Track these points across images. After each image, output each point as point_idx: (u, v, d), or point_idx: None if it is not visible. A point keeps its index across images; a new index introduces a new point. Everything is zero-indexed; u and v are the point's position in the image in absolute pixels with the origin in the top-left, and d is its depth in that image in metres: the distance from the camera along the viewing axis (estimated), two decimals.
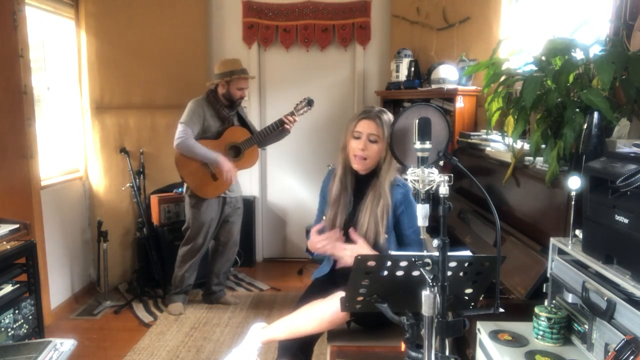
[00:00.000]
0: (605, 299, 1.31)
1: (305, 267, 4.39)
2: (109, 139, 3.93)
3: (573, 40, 1.84)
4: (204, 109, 3.34)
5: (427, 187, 1.35)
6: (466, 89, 3.37)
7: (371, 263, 1.35)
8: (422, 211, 1.38)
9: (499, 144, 2.59)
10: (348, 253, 1.95)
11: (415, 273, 1.35)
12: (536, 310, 1.55)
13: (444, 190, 1.28)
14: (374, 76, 4.46)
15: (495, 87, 2.13)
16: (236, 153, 3.43)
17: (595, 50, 1.80)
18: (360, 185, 2.09)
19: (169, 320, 3.39)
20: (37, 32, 3.42)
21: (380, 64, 4.42)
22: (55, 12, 3.61)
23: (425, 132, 1.41)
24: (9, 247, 2.36)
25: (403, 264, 1.34)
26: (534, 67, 1.96)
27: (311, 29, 4.37)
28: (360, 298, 1.45)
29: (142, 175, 3.97)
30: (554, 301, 1.64)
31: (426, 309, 1.23)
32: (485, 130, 2.64)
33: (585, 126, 1.69)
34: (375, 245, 2.01)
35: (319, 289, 2.05)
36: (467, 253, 1.56)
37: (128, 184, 3.86)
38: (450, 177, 1.31)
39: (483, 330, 1.60)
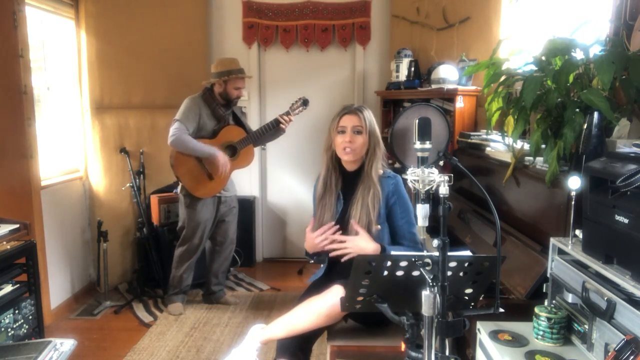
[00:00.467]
0: (605, 299, 1.31)
1: (305, 267, 4.39)
2: (109, 139, 3.93)
3: (573, 40, 1.84)
4: (200, 107, 3.33)
5: (427, 187, 1.36)
6: (466, 89, 3.37)
7: (371, 262, 1.35)
8: (422, 211, 1.38)
9: (499, 144, 2.59)
10: (350, 244, 1.97)
11: (415, 273, 1.35)
12: (536, 310, 1.55)
13: (444, 190, 1.28)
14: (374, 76, 4.46)
15: (495, 87, 2.13)
16: (232, 152, 3.41)
17: (595, 50, 1.80)
18: (349, 183, 2.13)
19: (169, 320, 3.39)
20: (37, 32, 3.42)
21: (380, 64, 4.42)
22: (55, 12, 3.61)
23: (425, 132, 1.41)
24: (9, 247, 2.36)
25: (403, 264, 1.34)
26: (534, 67, 1.96)
27: (311, 29, 4.37)
28: (360, 298, 1.45)
29: (142, 175, 3.97)
30: (554, 301, 1.64)
31: (426, 309, 1.23)
32: (485, 130, 2.64)
33: (585, 126, 1.69)
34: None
35: (316, 288, 2.05)
36: (467, 253, 1.56)
37: (128, 184, 3.86)
38: (450, 177, 1.31)
39: (483, 330, 1.60)
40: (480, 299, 1.47)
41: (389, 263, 1.35)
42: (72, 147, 3.90)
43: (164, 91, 4.03)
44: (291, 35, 4.39)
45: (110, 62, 3.88)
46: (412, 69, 3.78)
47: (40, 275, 2.56)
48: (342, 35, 4.37)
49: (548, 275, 1.67)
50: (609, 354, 1.23)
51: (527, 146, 2.18)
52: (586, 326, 1.44)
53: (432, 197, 1.38)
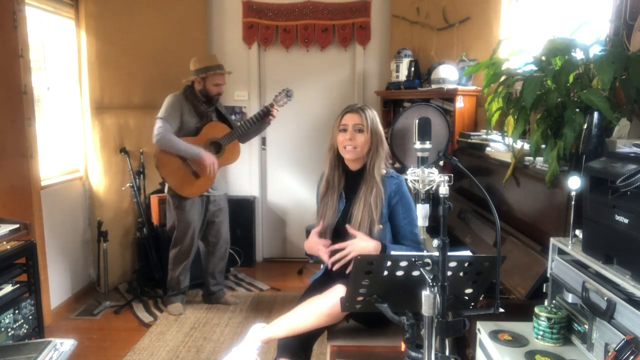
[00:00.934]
0: (605, 299, 1.31)
1: (305, 267, 4.39)
2: (109, 139, 3.93)
3: (573, 40, 1.84)
4: (181, 104, 3.30)
5: (427, 187, 1.36)
6: (466, 89, 3.37)
7: (371, 263, 1.35)
8: (422, 211, 1.38)
9: (499, 144, 2.59)
10: (350, 248, 1.97)
11: (415, 273, 1.35)
12: (536, 310, 1.55)
13: (444, 190, 1.28)
14: (374, 76, 4.46)
15: (495, 87, 2.13)
16: (217, 149, 3.38)
17: (595, 50, 1.80)
18: (352, 182, 2.14)
19: (169, 320, 3.39)
20: (37, 32, 3.42)
21: (380, 64, 4.42)
22: (55, 12, 3.61)
23: (425, 132, 1.41)
24: (9, 247, 2.36)
25: (403, 264, 1.34)
26: (534, 67, 1.96)
27: (311, 29, 4.37)
28: (360, 298, 1.45)
29: (142, 175, 3.97)
30: (554, 301, 1.64)
31: (426, 309, 1.23)
32: (485, 130, 2.64)
33: (585, 126, 1.69)
34: (370, 235, 2.03)
35: (317, 287, 2.06)
36: (467, 253, 1.56)
37: (128, 184, 3.86)
38: (450, 177, 1.31)
39: (483, 330, 1.60)
40: (480, 299, 1.47)
41: (389, 263, 1.35)
42: (72, 147, 3.90)
43: (164, 91, 3.99)
44: (291, 35, 4.39)
45: (110, 62, 3.88)
46: (412, 69, 3.78)
47: (40, 275, 2.55)
48: (342, 35, 4.37)
49: (548, 275, 1.67)
50: (609, 354, 1.23)
51: (527, 146, 2.18)
52: (586, 326, 1.44)
53: (432, 197, 1.38)
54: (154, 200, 3.84)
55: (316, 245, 2.08)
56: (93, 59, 3.83)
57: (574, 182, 1.54)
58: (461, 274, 1.35)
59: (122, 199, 4.02)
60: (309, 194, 4.59)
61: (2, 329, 2.21)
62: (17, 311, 2.32)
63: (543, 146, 1.93)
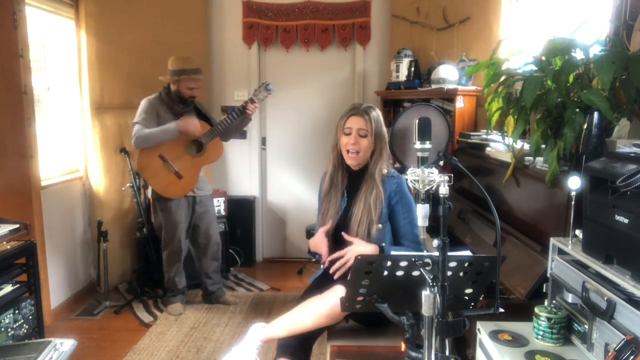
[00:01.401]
0: (605, 299, 1.31)
1: (305, 267, 4.39)
2: (109, 139, 3.93)
3: (573, 40, 1.84)
4: (156, 107, 3.28)
5: (427, 187, 1.36)
6: (466, 89, 3.37)
7: (371, 263, 1.36)
8: (422, 211, 1.38)
9: (499, 144, 2.59)
10: (349, 256, 1.98)
11: (415, 273, 1.35)
12: (536, 310, 1.55)
13: (444, 190, 1.28)
14: (374, 76, 4.46)
15: (495, 87, 2.13)
16: (198, 148, 3.34)
17: (595, 50, 1.80)
18: (354, 181, 2.15)
19: (169, 320, 3.39)
20: (37, 32, 3.42)
21: (380, 64, 4.42)
22: (55, 12, 3.61)
23: (425, 132, 1.41)
24: (9, 247, 2.36)
25: (403, 264, 1.34)
26: (534, 67, 1.97)
27: (311, 29, 4.37)
28: (360, 298, 1.45)
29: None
30: (554, 301, 1.64)
31: (426, 309, 1.23)
32: (485, 130, 2.65)
33: (585, 126, 1.69)
34: (368, 235, 2.04)
35: (317, 286, 2.06)
36: (467, 253, 1.56)
37: (128, 184, 3.85)
38: (450, 177, 1.31)
39: (483, 330, 1.60)
40: (480, 299, 1.47)
41: (389, 263, 1.35)
42: (72, 147, 3.90)
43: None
44: (291, 35, 4.39)
45: (110, 62, 3.88)
46: (412, 69, 3.78)
47: (40, 275, 2.55)
48: (342, 35, 4.37)
49: (548, 275, 1.67)
50: (609, 354, 1.23)
51: (527, 146, 2.18)
52: (586, 326, 1.44)
53: (432, 197, 1.38)
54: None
55: (320, 244, 2.08)
56: (93, 59, 3.83)
57: (574, 182, 1.54)
58: (461, 274, 1.35)
59: (122, 199, 4.02)
60: (309, 194, 4.59)
61: (2, 329, 2.21)
62: (17, 311, 2.32)
63: (543, 146, 1.93)
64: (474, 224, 2.53)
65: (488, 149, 2.71)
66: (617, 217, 1.30)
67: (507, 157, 2.32)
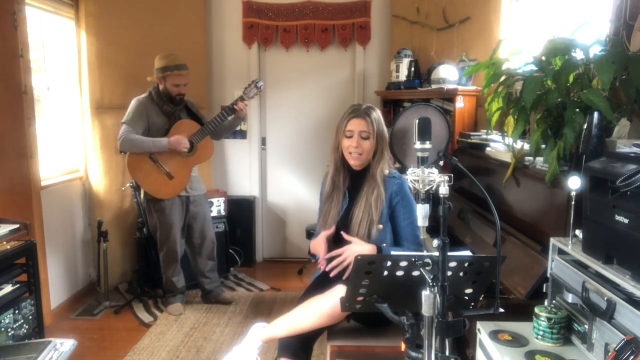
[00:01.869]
0: (605, 299, 1.31)
1: (305, 267, 4.39)
2: (109, 139, 3.93)
3: (573, 40, 1.84)
4: (145, 107, 3.26)
5: (427, 187, 1.36)
6: (466, 89, 3.37)
7: (371, 263, 1.36)
8: (422, 211, 1.38)
9: (499, 144, 2.59)
10: (347, 254, 1.98)
11: (415, 273, 1.35)
12: (536, 310, 1.55)
13: (444, 190, 1.28)
14: (374, 76, 4.46)
15: (495, 87, 2.13)
16: (189, 147, 3.32)
17: (595, 50, 1.80)
18: (355, 181, 2.15)
19: (169, 320, 3.39)
20: (37, 32, 3.42)
21: (380, 64, 4.42)
22: (55, 12, 3.61)
23: (425, 132, 1.41)
24: (9, 247, 2.36)
25: (403, 264, 1.34)
26: (534, 67, 1.96)
27: (311, 29, 4.37)
28: (360, 298, 1.45)
29: None
30: (554, 301, 1.64)
31: (426, 309, 1.23)
32: (485, 130, 2.64)
33: (585, 126, 1.69)
34: (368, 235, 2.04)
35: (318, 286, 2.06)
36: (467, 253, 1.56)
37: (128, 184, 3.85)
38: (450, 177, 1.31)
39: (483, 330, 1.60)
40: (480, 299, 1.47)
41: (389, 263, 1.35)
42: (72, 147, 3.90)
43: None
44: (291, 35, 4.39)
45: (110, 62, 3.88)
46: (412, 69, 3.78)
47: (40, 275, 2.55)
48: (342, 35, 4.37)
49: (548, 275, 1.67)
50: (609, 354, 1.23)
51: (527, 146, 2.18)
52: (586, 326, 1.44)
53: (432, 197, 1.38)
54: None
55: (319, 247, 2.09)
56: (93, 59, 3.83)
57: (574, 182, 1.54)
58: (461, 274, 1.35)
59: (122, 199, 4.02)
60: (309, 193, 4.59)
61: (2, 329, 2.21)
62: (17, 311, 2.32)
63: (543, 146, 1.93)
64: (474, 224, 2.53)
65: (488, 149, 2.70)
66: (617, 217, 1.30)
67: (507, 157, 2.32)
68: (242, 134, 4.53)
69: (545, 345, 1.51)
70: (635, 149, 1.55)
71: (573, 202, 1.62)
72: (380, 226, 2.05)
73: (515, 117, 2.00)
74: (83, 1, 3.77)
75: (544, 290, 1.69)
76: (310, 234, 3.83)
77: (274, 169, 4.70)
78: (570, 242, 1.59)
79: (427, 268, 1.26)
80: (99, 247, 3.69)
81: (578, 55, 1.83)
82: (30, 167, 3.07)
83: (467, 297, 1.42)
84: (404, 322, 1.38)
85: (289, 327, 1.94)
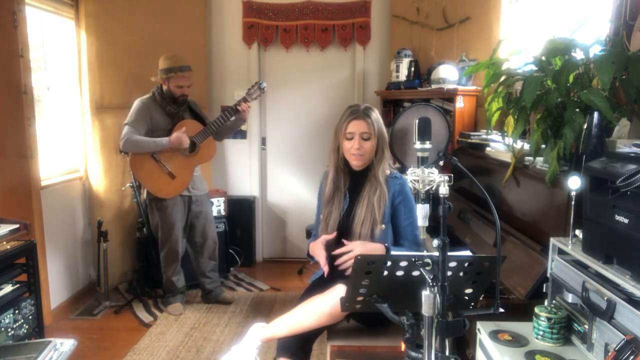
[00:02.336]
0: (605, 299, 1.31)
1: (305, 267, 4.39)
2: (109, 139, 3.93)
3: (573, 40, 1.84)
4: (148, 108, 3.28)
5: (427, 187, 1.36)
6: (466, 89, 3.37)
7: (371, 263, 1.36)
8: (422, 211, 1.38)
9: (499, 144, 2.59)
10: (355, 252, 1.97)
11: (415, 273, 1.35)
12: (536, 310, 1.55)
13: (444, 190, 1.28)
14: (374, 76, 4.46)
15: (495, 87, 2.13)
16: (191, 147, 3.34)
17: (595, 50, 1.80)
18: (356, 181, 2.14)
19: (169, 320, 3.39)
20: (37, 32, 3.42)
21: (380, 64, 4.42)
22: (55, 12, 3.61)
23: (425, 132, 1.41)
24: (9, 247, 2.36)
25: (403, 264, 1.34)
26: (534, 67, 1.96)
27: (311, 29, 4.37)
28: (360, 298, 1.45)
29: None
30: (554, 301, 1.64)
31: (426, 309, 1.23)
32: (485, 130, 2.64)
33: (585, 126, 1.69)
34: (371, 235, 2.04)
35: (318, 286, 2.06)
36: (467, 253, 1.56)
37: (128, 184, 3.85)
38: (450, 177, 1.31)
39: (483, 330, 1.60)
40: (480, 299, 1.47)
41: (389, 263, 1.35)
42: (72, 147, 3.90)
43: None
44: (291, 35, 4.39)
45: (110, 62, 3.88)
46: (412, 69, 3.78)
47: (40, 275, 2.55)
48: (342, 35, 4.37)
49: (548, 275, 1.67)
50: (609, 354, 1.23)
51: (527, 146, 2.18)
52: (586, 326, 1.44)
53: (432, 197, 1.38)
54: None
55: (319, 254, 2.08)
56: (93, 59, 3.83)
57: (574, 182, 1.54)
58: (461, 274, 1.35)
59: (122, 199, 4.02)
60: (309, 193, 4.59)
61: (2, 329, 2.21)
62: (17, 311, 2.32)
63: (543, 146, 1.93)
64: (474, 224, 2.53)
65: (488, 149, 2.70)
66: (617, 217, 1.30)
67: (507, 157, 2.32)
68: (242, 134, 4.53)
69: (545, 345, 1.51)
70: (635, 149, 1.55)
71: (573, 202, 1.62)
72: (383, 226, 2.05)
73: (515, 117, 2.00)
74: (83, 1, 3.77)
75: (544, 290, 1.69)
76: (311, 234, 3.83)
77: (274, 169, 4.70)
78: (570, 242, 1.59)
79: (427, 268, 1.26)
80: (99, 247, 3.69)
81: (578, 55, 1.83)
82: (30, 167, 3.07)
83: (467, 297, 1.42)
84: (404, 322, 1.38)
85: (289, 327, 1.94)
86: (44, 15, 3.51)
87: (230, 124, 3.44)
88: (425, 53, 4.00)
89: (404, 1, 4.16)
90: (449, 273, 1.28)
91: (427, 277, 1.24)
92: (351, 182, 2.16)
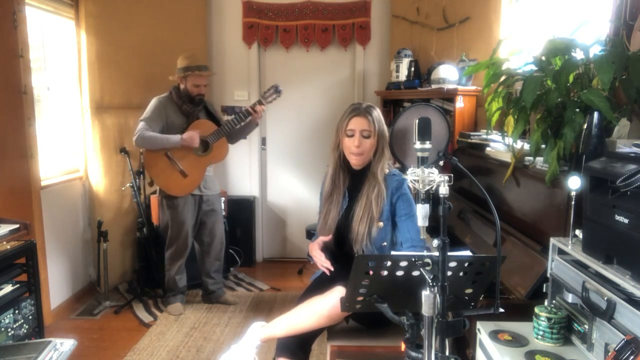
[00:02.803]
0: (605, 299, 1.31)
1: (305, 267, 4.39)
2: (109, 139, 3.93)
3: (573, 40, 1.84)
4: (165, 105, 3.31)
5: (427, 187, 1.35)
6: (466, 89, 3.37)
7: (371, 263, 1.36)
8: (422, 211, 1.38)
9: (499, 144, 2.59)
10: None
11: (415, 273, 1.35)
12: (536, 310, 1.55)
13: (444, 190, 1.28)
14: (374, 76, 4.46)
15: (495, 87, 2.13)
16: (204, 147, 3.37)
17: (595, 50, 1.80)
18: (356, 181, 2.15)
19: (169, 320, 3.39)
20: (37, 32, 3.42)
21: (380, 64, 4.42)
22: (55, 12, 3.61)
23: (425, 132, 1.41)
24: (9, 247, 2.36)
25: (403, 264, 1.34)
26: (534, 67, 1.96)
27: (311, 29, 4.37)
28: (360, 298, 1.45)
29: (142, 175, 3.96)
30: (554, 301, 1.64)
31: (426, 309, 1.23)
32: (485, 130, 2.64)
33: (585, 126, 1.69)
34: (369, 234, 2.03)
35: (318, 286, 2.06)
36: (467, 253, 1.56)
37: (128, 184, 3.86)
38: (450, 177, 1.31)
39: (483, 330, 1.60)
40: (480, 299, 1.47)
41: (389, 263, 1.35)
42: (72, 147, 3.90)
43: (164, 91, 4.01)
44: (291, 35, 4.39)
45: (110, 62, 3.88)
46: (412, 69, 3.78)
47: (40, 275, 2.55)
48: (342, 35, 4.37)
49: (548, 275, 1.67)
50: (609, 354, 1.23)
51: (527, 146, 2.18)
52: (586, 326, 1.44)
53: (432, 197, 1.38)
54: (154, 200, 3.84)
55: (315, 254, 2.10)
56: (93, 59, 3.83)
57: (574, 182, 1.54)
58: (461, 274, 1.35)
59: (122, 199, 4.02)
60: (309, 193, 4.59)
61: (2, 329, 2.21)
62: (17, 311, 2.32)
63: (543, 146, 1.92)
64: (474, 224, 2.53)
65: (488, 149, 2.70)
66: (617, 217, 1.30)
67: (507, 157, 2.32)
68: None
69: (545, 345, 1.51)
70: (635, 149, 1.55)
71: (573, 202, 1.62)
72: (381, 224, 2.05)
73: (515, 117, 2.00)
74: (83, 1, 3.77)
75: (544, 290, 1.69)
76: (311, 234, 3.83)
77: (274, 169, 4.70)
78: (570, 242, 1.59)
79: (427, 268, 1.26)
80: (99, 247, 3.69)
81: (578, 55, 1.83)
82: (30, 167, 3.07)
83: (467, 297, 1.42)
84: (404, 322, 1.38)
85: (288, 326, 1.94)
86: (44, 15, 3.51)
87: (243, 126, 3.46)
88: (425, 53, 4.00)
89: (404, 1, 4.16)
90: (449, 273, 1.28)
91: (427, 277, 1.24)
92: (351, 181, 2.16)
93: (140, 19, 3.96)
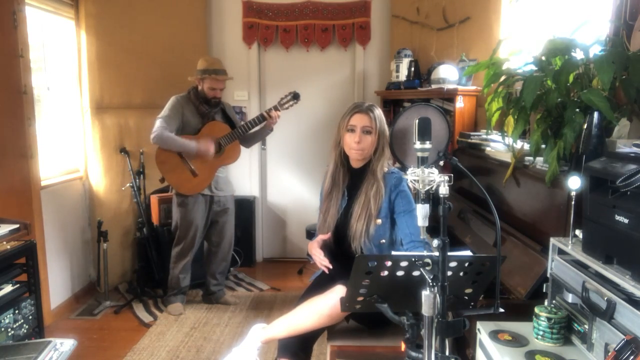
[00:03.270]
0: (605, 299, 1.31)
1: (305, 267, 4.39)
2: (109, 139, 3.93)
3: (573, 40, 1.84)
4: (182, 105, 3.34)
5: (427, 187, 1.35)
6: (466, 89, 3.37)
7: (371, 263, 1.36)
8: (422, 211, 1.38)
9: (499, 144, 2.59)
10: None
11: (416, 273, 1.35)
12: (536, 310, 1.55)
13: (444, 190, 1.28)
14: (374, 76, 4.46)
15: (495, 87, 2.13)
16: (217, 148, 3.40)
17: (595, 50, 1.80)
18: (355, 179, 2.16)
19: (169, 320, 3.39)
20: (37, 32, 3.42)
21: (380, 64, 4.42)
22: (55, 12, 3.61)
23: (425, 132, 1.41)
24: (9, 247, 2.36)
25: (403, 264, 1.34)
26: (534, 67, 1.96)
27: (311, 29, 4.37)
28: (360, 298, 1.45)
29: (142, 175, 3.97)
30: (554, 301, 1.64)
31: (426, 309, 1.23)
32: (485, 130, 2.64)
33: (585, 126, 1.69)
34: (367, 231, 2.04)
35: (318, 286, 2.06)
36: (467, 253, 1.56)
37: (128, 184, 3.86)
38: (450, 177, 1.31)
39: (483, 330, 1.60)
40: (480, 299, 1.47)
41: (389, 263, 1.35)
42: (72, 147, 3.90)
43: (164, 91, 4.00)
44: (291, 35, 4.39)
45: (110, 62, 3.88)
46: (412, 69, 3.78)
47: (40, 275, 2.55)
48: (342, 35, 4.37)
49: (548, 275, 1.67)
50: (609, 354, 1.23)
51: (527, 146, 2.18)
52: (586, 326, 1.44)
53: (432, 197, 1.38)
54: (154, 200, 3.84)
55: (314, 252, 2.09)
56: (93, 59, 3.84)
57: (574, 182, 1.54)
58: (461, 274, 1.35)
59: (122, 199, 4.02)
60: (309, 193, 4.59)
61: (2, 329, 2.21)
62: (17, 311, 2.32)
63: (543, 146, 1.92)
64: (474, 224, 2.53)
65: (488, 149, 2.70)
66: (617, 217, 1.30)
67: (507, 157, 2.32)
68: None
69: (545, 345, 1.51)
70: (635, 149, 1.55)
71: (573, 202, 1.62)
72: (379, 221, 2.05)
73: (515, 117, 2.00)
74: (83, 1, 3.77)
75: (544, 290, 1.69)
76: (311, 234, 3.83)
77: (274, 169, 4.69)
78: (570, 242, 1.59)
79: (427, 268, 1.26)
80: (99, 247, 3.69)
81: (578, 55, 1.83)
82: (30, 167, 3.07)
83: (467, 297, 1.42)
84: (404, 322, 1.38)
85: (289, 327, 1.94)
86: (44, 15, 3.51)
87: (256, 130, 3.49)
88: (425, 53, 4.00)
89: (404, 1, 4.16)
90: (449, 273, 1.28)
91: (427, 277, 1.24)
92: (350, 180, 2.17)
93: (140, 19, 3.96)
